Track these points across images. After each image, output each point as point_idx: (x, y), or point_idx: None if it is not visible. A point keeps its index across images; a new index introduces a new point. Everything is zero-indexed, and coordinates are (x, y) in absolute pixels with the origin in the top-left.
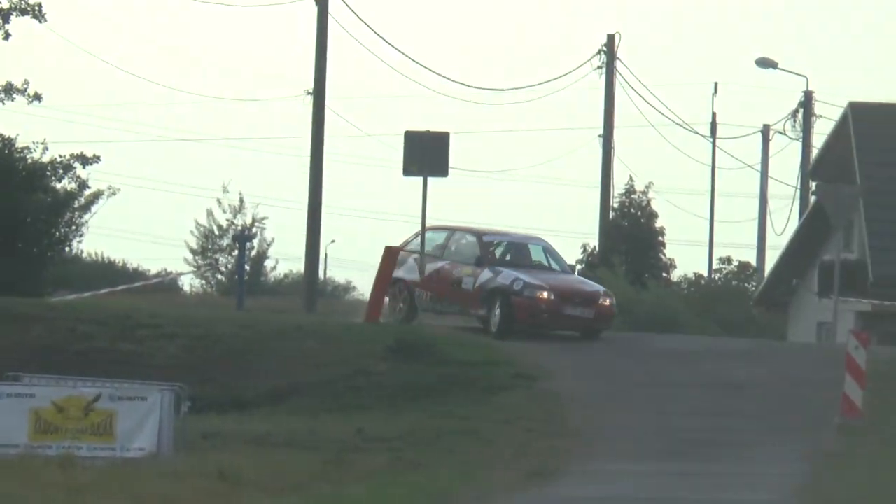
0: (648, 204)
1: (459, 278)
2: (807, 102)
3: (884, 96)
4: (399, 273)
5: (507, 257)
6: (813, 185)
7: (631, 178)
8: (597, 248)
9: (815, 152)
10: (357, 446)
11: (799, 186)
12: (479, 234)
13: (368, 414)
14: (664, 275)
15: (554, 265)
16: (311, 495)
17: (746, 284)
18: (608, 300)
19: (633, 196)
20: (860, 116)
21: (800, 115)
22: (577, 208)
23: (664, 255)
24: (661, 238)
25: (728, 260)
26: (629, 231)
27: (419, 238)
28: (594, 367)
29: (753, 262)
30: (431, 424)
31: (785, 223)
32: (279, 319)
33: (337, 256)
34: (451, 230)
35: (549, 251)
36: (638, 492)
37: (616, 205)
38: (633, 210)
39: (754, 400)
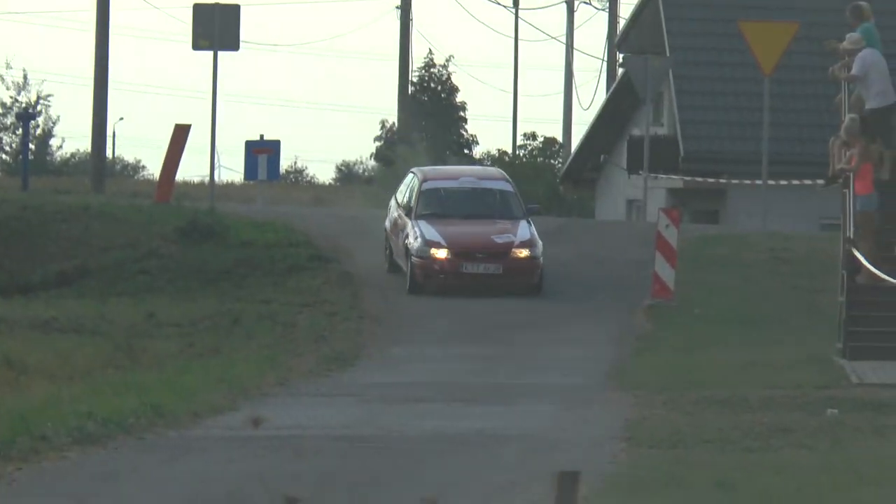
0: (449, 78)
1: (404, 231)
2: None
3: None
4: (385, 223)
5: (448, 205)
6: (620, 57)
7: (430, 52)
8: (396, 125)
9: (622, 23)
10: (148, 332)
11: (606, 59)
12: (422, 180)
13: (160, 298)
14: (466, 151)
15: (504, 209)
16: (100, 382)
17: (552, 161)
18: (525, 251)
19: (432, 70)
20: None
21: None
22: (374, 83)
23: (466, 130)
24: (462, 113)
25: (533, 135)
26: (429, 106)
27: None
28: None
29: (559, 138)
30: (228, 309)
31: (592, 97)
32: (66, 200)
33: (126, 135)
34: (415, 172)
35: (503, 194)
36: (439, 376)
37: (415, 79)
38: (433, 84)
39: (562, 280)
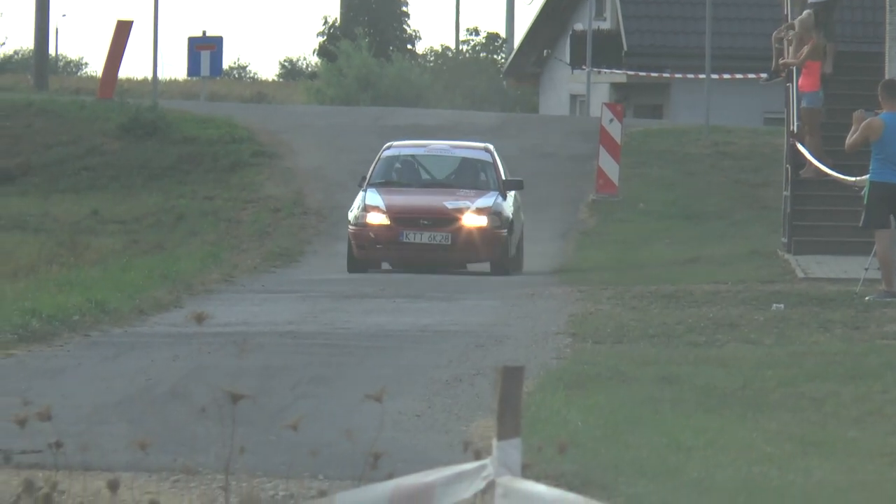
0: None
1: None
2: None
3: None
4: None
5: (407, 173)
6: None
7: None
8: (338, 21)
9: None
10: (92, 228)
11: None
12: (384, 147)
13: (103, 195)
14: (409, 47)
15: (475, 180)
16: (44, 279)
17: (496, 56)
18: (482, 218)
19: None
20: None
21: None
22: None
23: (409, 26)
24: (404, 8)
25: (476, 31)
26: (371, 1)
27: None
28: (336, 142)
29: (502, 33)
30: (171, 206)
31: None
32: (8, 97)
33: (68, 31)
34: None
35: (477, 164)
36: (382, 273)
37: None
38: None
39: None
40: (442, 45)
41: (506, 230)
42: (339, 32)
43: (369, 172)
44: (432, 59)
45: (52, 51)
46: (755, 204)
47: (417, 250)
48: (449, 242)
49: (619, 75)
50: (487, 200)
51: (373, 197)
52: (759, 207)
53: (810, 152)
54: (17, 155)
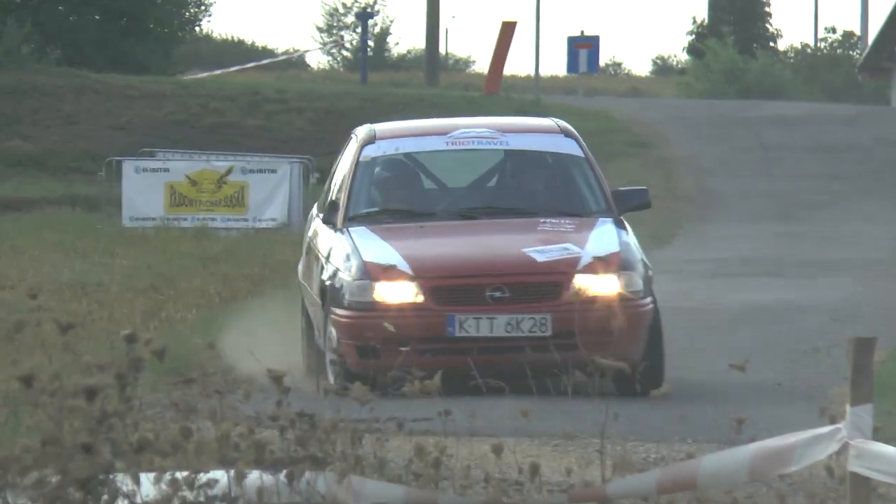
0: None
1: (319, 261)
2: None
3: None
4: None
5: (419, 194)
6: None
7: None
8: (706, 20)
9: None
10: None
11: None
12: (361, 142)
13: None
14: (771, 44)
15: (563, 198)
16: None
17: (851, 52)
18: (607, 283)
19: None
20: None
21: None
22: None
23: (771, 24)
24: (767, 9)
25: (833, 29)
26: (737, 1)
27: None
28: (704, 132)
29: (857, 31)
30: None
31: None
32: (402, 92)
33: (457, 32)
34: (354, 135)
35: (561, 162)
36: (746, 252)
37: None
38: None
39: (854, 163)
40: (802, 43)
41: (651, 300)
42: (708, 31)
43: (340, 191)
44: (793, 55)
45: (441, 49)
46: None
47: (482, 352)
48: (548, 332)
49: None
50: (608, 241)
51: (372, 244)
52: None
53: None
54: None
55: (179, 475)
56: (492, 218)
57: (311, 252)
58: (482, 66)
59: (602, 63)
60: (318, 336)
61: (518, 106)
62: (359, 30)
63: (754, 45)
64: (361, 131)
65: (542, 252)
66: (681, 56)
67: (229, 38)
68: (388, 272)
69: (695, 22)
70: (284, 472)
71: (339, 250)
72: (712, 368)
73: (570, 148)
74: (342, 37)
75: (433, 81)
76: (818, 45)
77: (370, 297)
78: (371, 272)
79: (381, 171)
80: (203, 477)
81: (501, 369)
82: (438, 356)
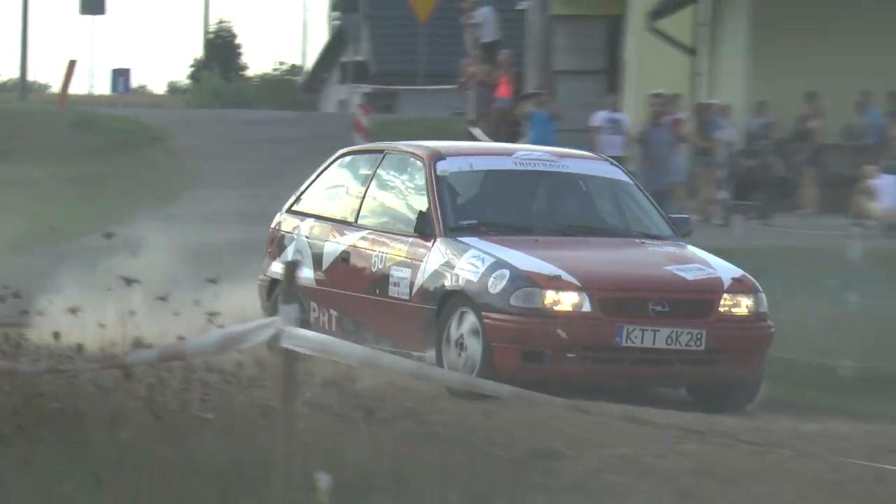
0: None
1: (384, 271)
2: None
3: None
4: (277, 266)
5: (486, 210)
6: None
7: None
8: (202, 56)
9: None
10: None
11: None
12: (429, 158)
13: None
14: (242, 73)
15: (623, 224)
16: None
17: (295, 77)
18: (746, 302)
19: None
20: None
21: None
22: None
23: (242, 59)
24: (240, 50)
25: (283, 62)
26: (221, 46)
27: (324, 175)
28: (200, 130)
29: (299, 63)
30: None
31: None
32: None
33: (43, 64)
34: (380, 152)
35: (620, 188)
36: (231, 207)
37: None
38: None
39: (298, 150)
40: (263, 71)
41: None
42: (202, 64)
43: (437, 204)
44: (257, 80)
45: (30, 76)
46: None
47: (642, 362)
48: (701, 347)
49: (367, 88)
50: (718, 261)
51: (512, 254)
52: None
53: (482, 133)
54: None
55: None
56: (588, 236)
57: (361, 260)
58: (56, 88)
59: (134, 85)
60: (331, 326)
61: (78, 114)
62: None
63: (231, 73)
64: (427, 148)
65: (685, 270)
66: (186, 81)
67: None
68: (555, 281)
69: (195, 58)
70: None
71: (471, 256)
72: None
73: (620, 175)
74: None
75: (25, 98)
76: (274, 72)
77: (539, 303)
78: (536, 280)
79: (462, 185)
80: None
81: (654, 381)
82: (599, 364)
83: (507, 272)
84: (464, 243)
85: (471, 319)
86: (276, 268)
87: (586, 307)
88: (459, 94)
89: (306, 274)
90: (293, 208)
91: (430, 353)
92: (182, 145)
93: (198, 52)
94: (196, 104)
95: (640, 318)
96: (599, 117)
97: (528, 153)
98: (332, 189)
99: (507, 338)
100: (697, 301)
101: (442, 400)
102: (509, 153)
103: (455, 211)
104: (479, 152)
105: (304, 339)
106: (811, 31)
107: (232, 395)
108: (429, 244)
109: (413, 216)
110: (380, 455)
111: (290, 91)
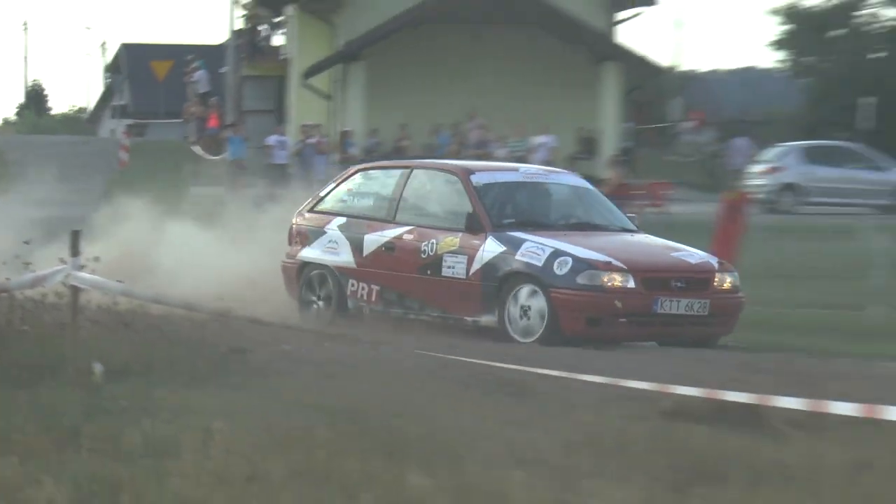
0: None
1: (436, 257)
2: None
3: None
4: (310, 252)
5: (518, 212)
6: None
7: None
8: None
9: None
10: None
11: None
12: (463, 173)
13: None
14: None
15: (605, 221)
16: None
17: (82, 115)
18: (728, 279)
19: None
20: None
21: None
22: None
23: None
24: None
25: (75, 105)
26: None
27: (343, 186)
28: (26, 147)
29: (87, 106)
30: None
31: None
32: None
33: None
34: (408, 168)
35: (590, 194)
36: (49, 195)
37: None
38: None
39: (85, 160)
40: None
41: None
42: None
43: (481, 207)
44: (59, 117)
45: None
46: None
47: (669, 325)
48: (707, 313)
49: (129, 121)
50: (692, 248)
51: (563, 245)
52: None
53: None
54: None
55: None
56: (591, 230)
57: (408, 248)
58: None
59: None
60: (370, 300)
61: None
62: None
63: (42, 112)
64: (459, 166)
65: (685, 256)
66: (14, 117)
67: None
68: (609, 265)
69: (19, 103)
70: None
71: (529, 248)
72: None
73: (588, 184)
74: None
75: None
76: (69, 111)
77: (599, 282)
78: (595, 264)
79: (493, 193)
80: None
81: (674, 337)
82: (641, 327)
83: (569, 259)
84: (517, 236)
85: (534, 293)
86: (307, 253)
87: (631, 284)
88: (185, 125)
89: (344, 258)
90: (316, 209)
91: (489, 318)
92: (11, 157)
93: (21, 98)
94: (23, 132)
95: (667, 291)
96: (272, 139)
97: (527, 168)
98: (358, 195)
99: (573, 307)
100: (701, 279)
101: (181, 320)
102: (515, 169)
103: (494, 213)
104: (495, 168)
105: (83, 279)
106: (404, 83)
107: (41, 315)
108: (480, 237)
109: (455, 216)
110: (135, 353)
111: (80, 123)
